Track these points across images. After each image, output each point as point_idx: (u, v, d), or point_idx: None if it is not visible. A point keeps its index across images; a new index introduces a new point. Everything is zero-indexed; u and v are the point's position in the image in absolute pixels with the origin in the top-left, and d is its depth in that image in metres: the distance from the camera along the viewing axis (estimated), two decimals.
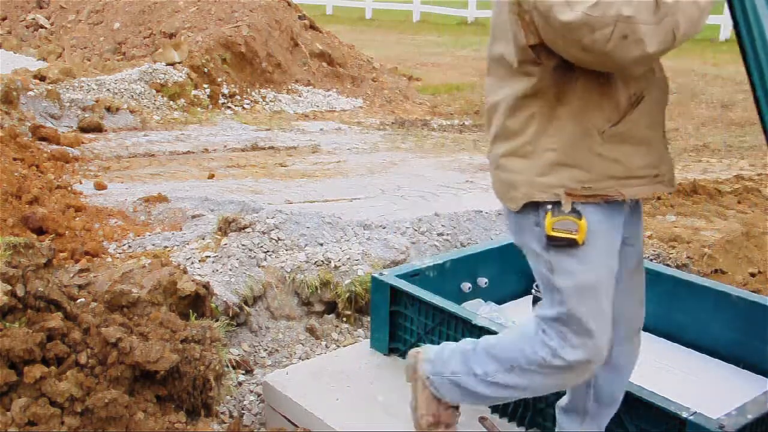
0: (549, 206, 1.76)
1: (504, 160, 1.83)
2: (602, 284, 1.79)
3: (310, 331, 3.55)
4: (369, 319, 3.24)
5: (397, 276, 2.92)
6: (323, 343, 3.50)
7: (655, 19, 1.54)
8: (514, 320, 2.90)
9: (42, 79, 7.56)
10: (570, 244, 1.75)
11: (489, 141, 1.94)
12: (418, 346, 2.81)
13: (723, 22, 15.58)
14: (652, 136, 1.79)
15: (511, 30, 1.71)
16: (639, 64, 1.62)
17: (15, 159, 4.97)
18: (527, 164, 1.78)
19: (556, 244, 1.76)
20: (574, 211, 1.74)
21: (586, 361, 1.81)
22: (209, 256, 3.69)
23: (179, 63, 8.51)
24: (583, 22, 1.54)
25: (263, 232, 3.96)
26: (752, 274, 4.04)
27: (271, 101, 8.84)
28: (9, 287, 2.26)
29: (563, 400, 2.15)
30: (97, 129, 6.89)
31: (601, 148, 1.72)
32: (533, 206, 1.79)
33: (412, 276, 2.98)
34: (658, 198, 5.13)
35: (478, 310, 2.92)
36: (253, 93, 8.88)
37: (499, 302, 3.24)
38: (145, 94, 7.90)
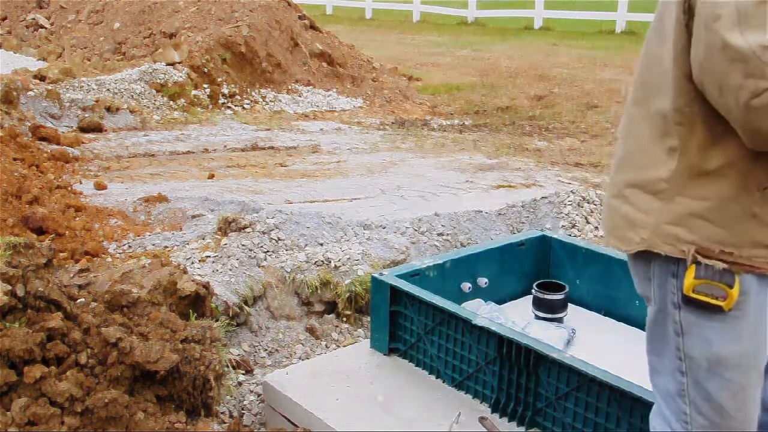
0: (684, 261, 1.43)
1: (629, 191, 1.53)
2: (747, 362, 1.47)
3: (310, 331, 3.55)
4: (369, 319, 3.24)
5: (397, 276, 2.92)
6: (323, 343, 3.50)
7: None
8: (514, 320, 2.90)
9: (42, 79, 7.56)
10: (712, 310, 1.43)
11: (615, 161, 1.61)
12: (418, 346, 2.83)
13: None
14: None
15: (673, 32, 1.42)
16: (766, 142, 1.33)
17: (15, 159, 4.97)
18: (657, 205, 1.47)
19: (695, 306, 1.45)
20: (726, 275, 1.41)
21: None
22: (209, 256, 3.69)
23: (179, 63, 8.51)
24: (743, 57, 1.25)
25: (263, 232, 3.97)
26: None
27: (271, 101, 8.84)
28: (9, 287, 2.26)
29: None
30: (97, 129, 6.88)
31: (758, 208, 1.40)
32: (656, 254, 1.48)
33: (412, 276, 2.98)
34: None
35: (478, 310, 2.92)
36: (253, 93, 8.87)
37: (499, 302, 3.24)
38: (145, 94, 7.90)
